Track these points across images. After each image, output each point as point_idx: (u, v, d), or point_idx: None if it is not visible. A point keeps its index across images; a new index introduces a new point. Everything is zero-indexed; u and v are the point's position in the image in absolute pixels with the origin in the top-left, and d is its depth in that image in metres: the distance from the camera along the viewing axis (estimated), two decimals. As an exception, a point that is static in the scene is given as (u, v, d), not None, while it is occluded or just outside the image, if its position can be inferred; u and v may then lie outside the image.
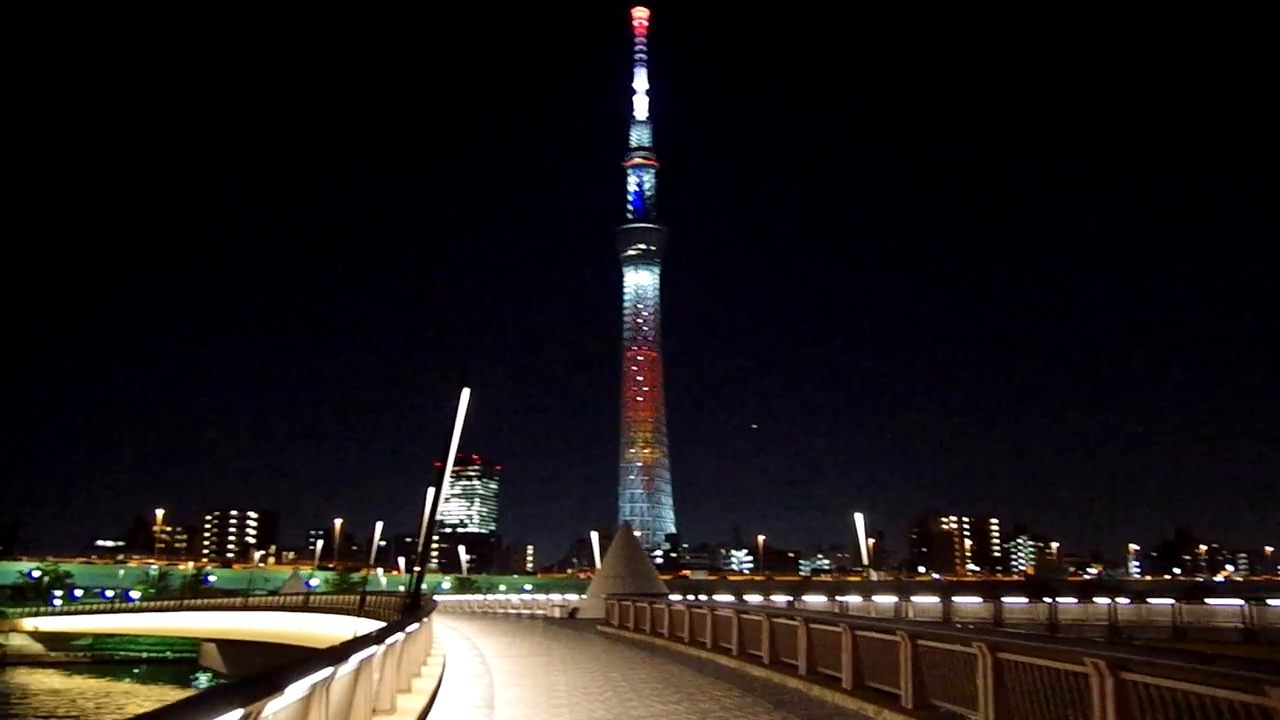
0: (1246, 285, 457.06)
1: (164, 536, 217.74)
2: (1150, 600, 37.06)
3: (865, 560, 53.29)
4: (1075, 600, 40.20)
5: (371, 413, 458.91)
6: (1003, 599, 38.49)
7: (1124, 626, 33.94)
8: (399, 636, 10.08)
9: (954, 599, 39.86)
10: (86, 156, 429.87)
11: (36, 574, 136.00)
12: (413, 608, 16.38)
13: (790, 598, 49.55)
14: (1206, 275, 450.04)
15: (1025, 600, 41.16)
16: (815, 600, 47.97)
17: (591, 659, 19.91)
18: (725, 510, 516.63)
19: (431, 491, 16.45)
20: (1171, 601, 35.50)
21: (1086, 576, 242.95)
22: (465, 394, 16.55)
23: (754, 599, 48.21)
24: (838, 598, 46.52)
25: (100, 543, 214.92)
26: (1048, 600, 38.20)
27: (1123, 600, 37.58)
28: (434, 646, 22.63)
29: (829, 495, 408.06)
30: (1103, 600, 37.41)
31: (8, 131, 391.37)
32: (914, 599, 43.41)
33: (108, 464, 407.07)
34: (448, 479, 16.05)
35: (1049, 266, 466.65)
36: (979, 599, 42.58)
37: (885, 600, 45.00)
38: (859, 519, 49.91)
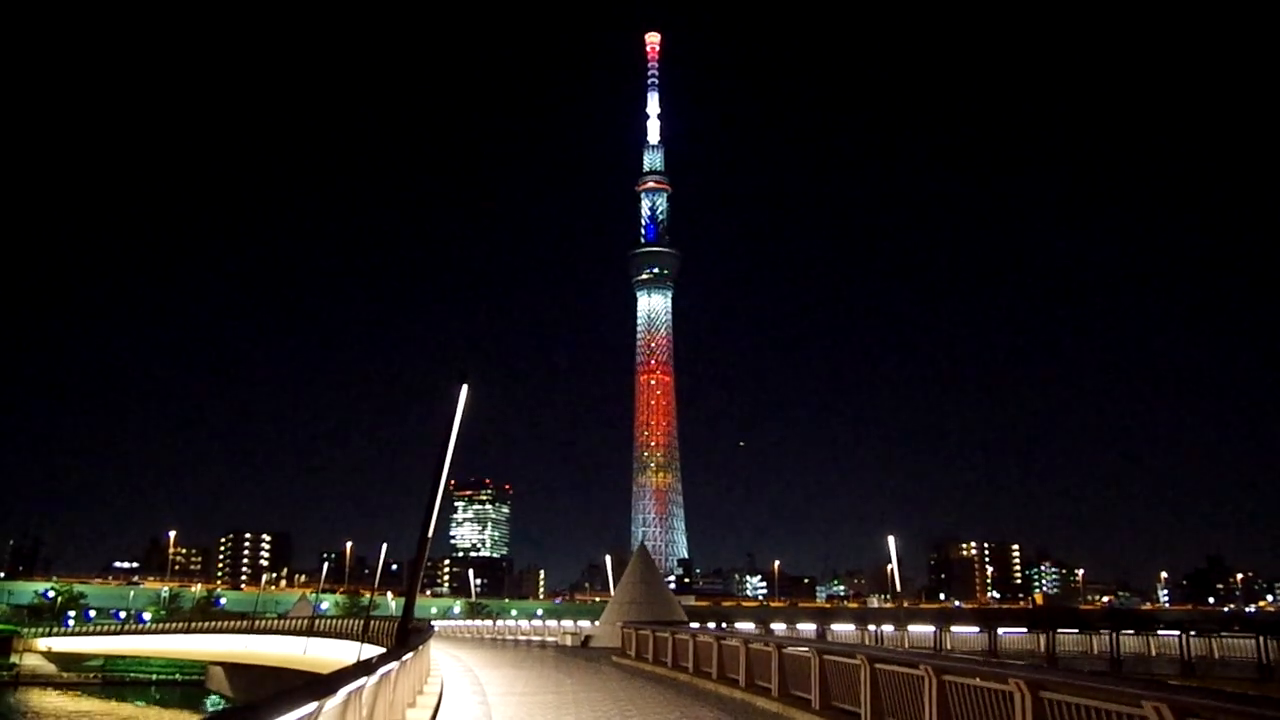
0: (1275, 306, 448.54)
1: (179, 559, 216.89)
2: (1224, 635, 33.90)
3: (897, 586, 50.14)
4: (1133, 632, 37.11)
5: (387, 438, 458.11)
6: (1057, 631, 35.42)
7: (1197, 664, 30.99)
8: (363, 683, 7.71)
9: (999, 631, 36.79)
10: (99, 177, 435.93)
11: (51, 594, 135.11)
12: (400, 639, 13.94)
13: (815, 625, 46.79)
14: (1240, 297, 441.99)
15: (1076, 632, 38.16)
16: (843, 629, 45.18)
17: (607, 698, 17.36)
18: (738, 535, 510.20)
19: (435, 505, 14.05)
20: (1254, 637, 32.18)
21: (1103, 603, 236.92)
22: (464, 391, 14.27)
23: (779, 627, 45.49)
24: (869, 627, 43.64)
25: (117, 564, 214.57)
26: (1104, 632, 35.23)
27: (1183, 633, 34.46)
28: (429, 679, 20.19)
29: (844, 520, 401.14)
30: (1169, 633, 34.20)
31: (15, 148, 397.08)
32: (954, 629, 40.44)
33: (126, 487, 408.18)
34: (444, 479, 13.72)
35: (1074, 287, 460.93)
36: (1023, 629, 39.67)
37: (921, 630, 42.09)
38: (891, 541, 46.97)
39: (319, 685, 6.47)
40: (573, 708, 15.66)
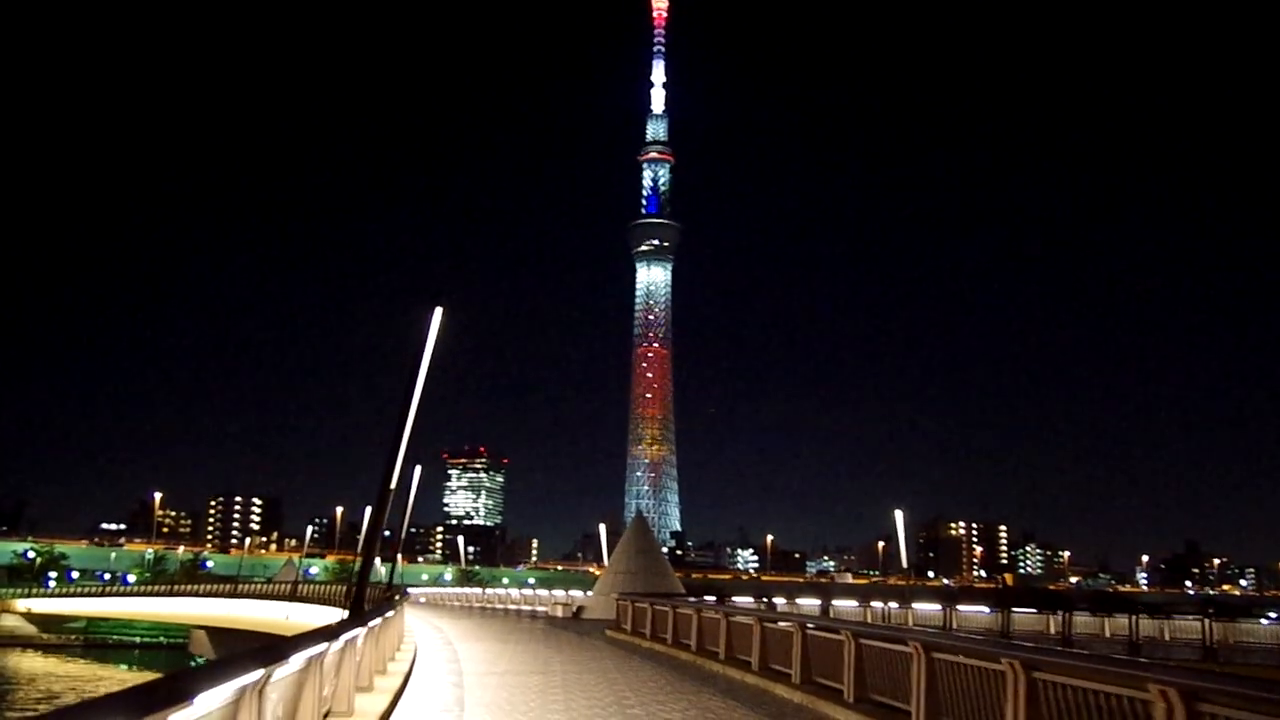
0: (1259, 297, 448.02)
1: (168, 521, 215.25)
2: (1243, 620, 32.36)
3: (904, 561, 48.56)
4: (1147, 616, 35.44)
5: (384, 405, 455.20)
6: (1073, 614, 33.63)
7: (1218, 648, 29.31)
8: (256, 677, 5.35)
9: (1013, 612, 34.91)
10: (73, 144, 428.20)
11: (31, 555, 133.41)
12: (356, 609, 11.71)
13: (818, 600, 44.95)
14: (1220, 286, 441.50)
15: (1089, 614, 36.46)
16: (846, 605, 43.32)
17: (601, 680, 15.22)
18: (730, 509, 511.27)
19: (400, 451, 11.75)
20: (1269, 619, 30.72)
21: (1071, 584, 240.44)
22: (437, 314, 11.94)
23: (777, 602, 43.69)
24: (872, 604, 41.77)
25: (104, 526, 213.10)
26: (1120, 616, 33.48)
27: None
28: (399, 652, 18.11)
29: (835, 497, 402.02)
30: (1186, 620, 32.50)
31: (8, 125, 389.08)
32: (960, 608, 38.63)
33: (116, 448, 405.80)
34: (412, 419, 11.45)
35: (1062, 272, 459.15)
36: (1032, 610, 37.84)
37: (926, 609, 40.31)
38: (898, 516, 45.17)
39: (172, 686, 4.19)
40: (560, 692, 13.50)
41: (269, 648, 6.11)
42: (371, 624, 11.32)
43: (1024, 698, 7.81)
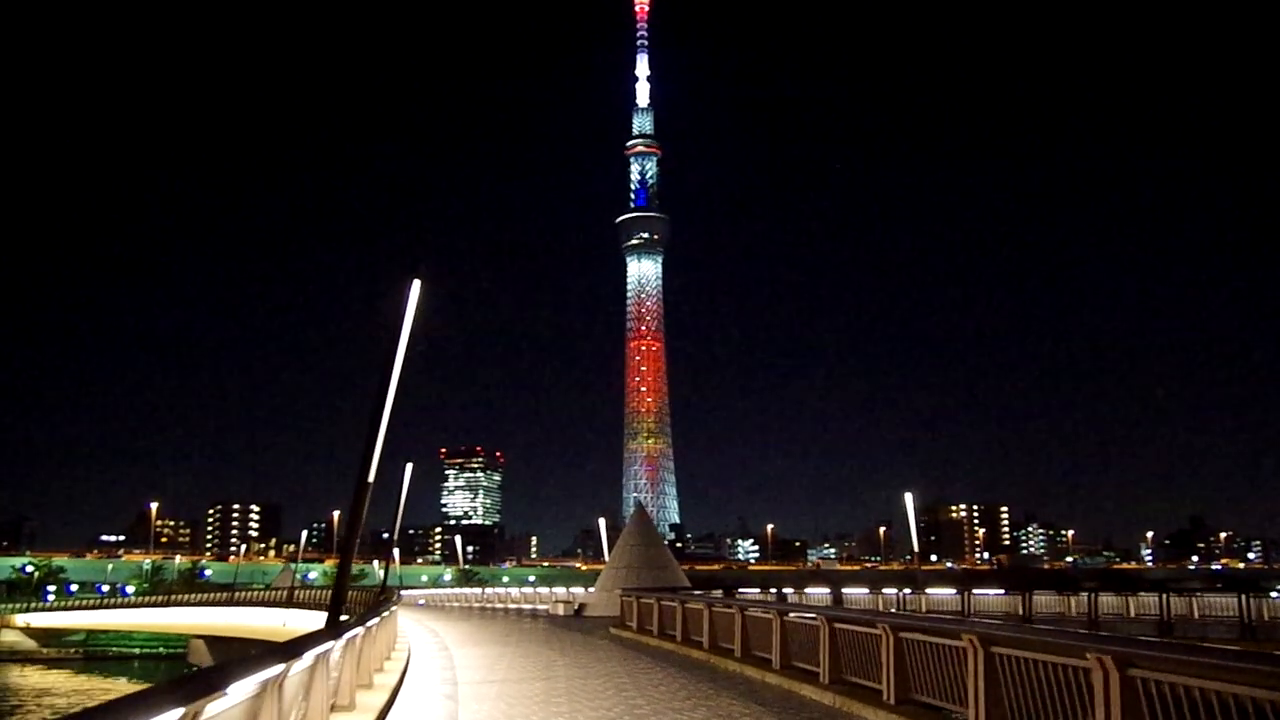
0: (1259, 270, 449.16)
1: (166, 531, 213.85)
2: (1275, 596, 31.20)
3: (915, 545, 47.50)
4: (1177, 594, 34.26)
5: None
6: (1098, 595, 32.47)
7: (1256, 626, 28.18)
8: (177, 716, 3.98)
9: (1033, 594, 33.76)
10: (78, 152, 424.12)
11: (29, 569, 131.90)
12: (332, 618, 10.44)
13: (827, 590, 43.92)
14: (1222, 261, 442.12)
15: (1112, 594, 35.37)
16: (855, 593, 42.33)
17: (609, 685, 13.99)
18: (729, 500, 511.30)
19: (377, 442, 10.49)
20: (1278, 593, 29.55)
21: (1068, 563, 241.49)
22: (415, 287, 10.69)
23: (788, 593, 42.59)
24: (884, 591, 40.75)
25: (104, 537, 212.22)
26: (1147, 595, 32.35)
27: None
28: (391, 658, 16.90)
29: (835, 484, 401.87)
30: (1219, 596, 31.29)
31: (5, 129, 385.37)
32: (975, 592, 37.48)
33: (111, 460, 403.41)
34: (389, 408, 10.20)
35: (1061, 250, 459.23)
36: (1053, 592, 36.73)
37: (940, 594, 39.28)
38: (908, 499, 44.19)
39: None
40: (565, 701, 12.24)
41: (200, 674, 4.81)
42: (352, 634, 10.05)
43: (1118, 700, 6.57)
